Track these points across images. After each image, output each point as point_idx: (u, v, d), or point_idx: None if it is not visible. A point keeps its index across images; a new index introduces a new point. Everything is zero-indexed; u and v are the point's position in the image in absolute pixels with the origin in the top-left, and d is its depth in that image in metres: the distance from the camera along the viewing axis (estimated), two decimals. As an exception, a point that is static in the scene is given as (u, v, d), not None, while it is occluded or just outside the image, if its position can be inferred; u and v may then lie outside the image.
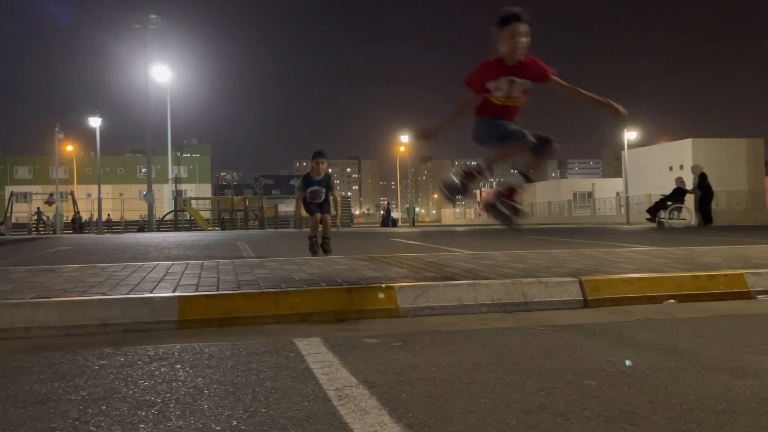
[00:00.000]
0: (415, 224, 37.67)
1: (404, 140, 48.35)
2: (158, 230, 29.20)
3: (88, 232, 29.65)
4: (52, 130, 33.64)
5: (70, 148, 49.71)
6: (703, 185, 16.85)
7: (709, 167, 33.65)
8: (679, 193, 17.05)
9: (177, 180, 38.24)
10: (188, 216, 32.97)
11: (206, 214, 35.38)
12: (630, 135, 35.03)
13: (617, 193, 40.10)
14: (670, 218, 16.73)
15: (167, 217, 34.49)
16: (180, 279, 4.03)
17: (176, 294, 3.34)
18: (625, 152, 35.83)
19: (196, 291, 3.52)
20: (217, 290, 3.57)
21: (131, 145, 78.01)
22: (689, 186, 17.54)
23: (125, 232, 30.54)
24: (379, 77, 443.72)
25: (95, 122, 29.91)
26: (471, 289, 3.71)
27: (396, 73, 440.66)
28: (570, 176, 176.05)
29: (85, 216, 35.23)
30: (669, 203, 17.03)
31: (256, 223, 30.57)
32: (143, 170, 62.12)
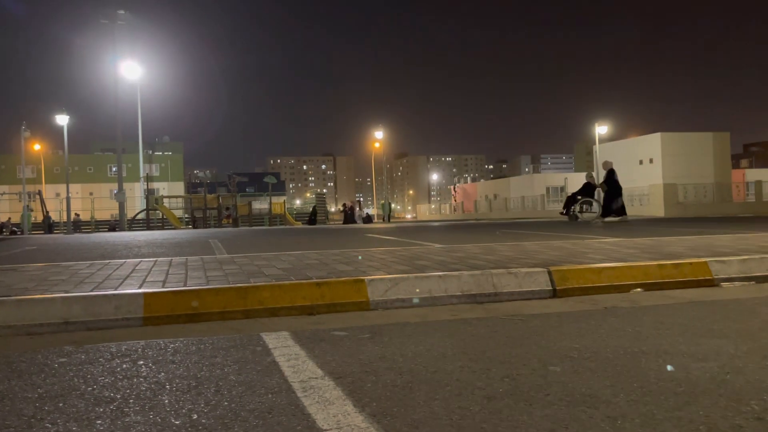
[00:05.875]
0: (391, 220, 37.69)
1: (379, 136, 48.24)
2: (130, 229, 28.71)
3: (58, 232, 29.03)
4: (18, 129, 32.85)
5: (37, 146, 48.54)
6: (609, 181, 17.54)
7: (677, 160, 34.44)
8: (588, 188, 18.00)
9: (149, 178, 37.63)
10: (161, 215, 32.50)
11: (179, 213, 34.94)
12: (601, 129, 35.53)
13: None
14: (581, 211, 17.68)
15: (139, 216, 33.96)
16: (147, 276, 3.96)
17: (142, 290, 3.28)
18: (597, 147, 36.35)
19: (163, 287, 3.47)
20: (185, 286, 3.52)
21: (101, 143, 76.59)
22: (599, 181, 18.51)
23: (95, 231, 29.98)
24: (352, 74, 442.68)
25: (63, 120, 29.24)
26: (441, 281, 3.71)
27: (368, 70, 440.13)
28: (543, 171, 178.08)
29: (54, 216, 34.48)
30: (579, 197, 17.94)
31: (230, 220, 30.25)
32: (113, 169, 61.03)
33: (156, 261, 4.95)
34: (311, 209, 33.37)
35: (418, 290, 3.63)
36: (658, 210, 33.81)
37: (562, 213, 18.60)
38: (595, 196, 17.95)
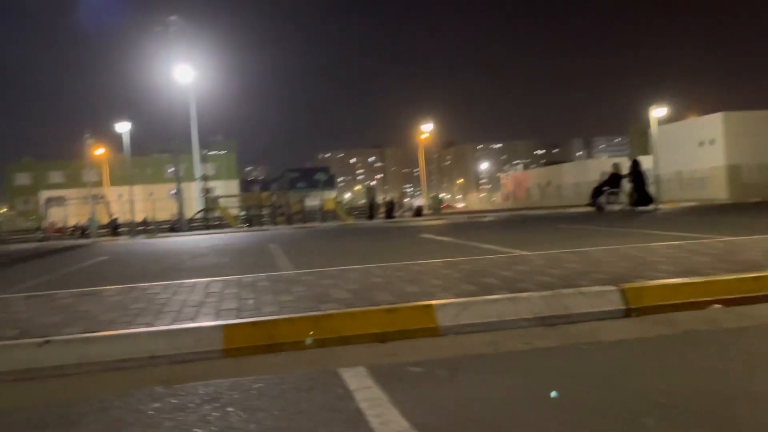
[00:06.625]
0: (441, 211, 37.53)
1: (426, 128, 48.02)
2: (189, 229, 29.63)
3: (122, 233, 30.28)
4: (81, 134, 34.36)
5: (100, 151, 50.58)
6: (634, 171, 17.85)
7: (741, 141, 32.91)
8: (615, 179, 18.15)
9: (205, 178, 38.80)
10: (217, 213, 33.38)
11: (235, 211, 35.80)
12: (658, 112, 34.25)
13: (646, 171, 39.32)
14: (608, 202, 17.95)
15: (197, 216, 34.99)
16: (220, 302, 4.08)
17: (220, 323, 3.38)
18: (654, 130, 35.10)
19: (238, 316, 3.58)
20: (258, 313, 3.62)
21: (158, 144, 79.22)
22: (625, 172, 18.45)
23: (157, 232, 31.10)
24: (397, 64, 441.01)
25: (124, 128, 30.41)
26: (511, 303, 3.68)
27: (414, 59, 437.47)
28: (597, 155, 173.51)
29: (117, 217, 35.86)
30: (605, 188, 18.13)
31: (284, 218, 30.79)
32: (171, 169, 63.10)
33: (226, 281, 5.09)
34: (369, 204, 33.44)
35: (487, 314, 3.61)
36: (720, 192, 32.44)
37: (588, 204, 18.92)
38: (621, 187, 18.05)
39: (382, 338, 3.42)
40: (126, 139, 31.46)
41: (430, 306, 3.59)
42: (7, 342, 3.17)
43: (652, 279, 4.12)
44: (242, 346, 3.30)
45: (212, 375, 2.87)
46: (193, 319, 3.54)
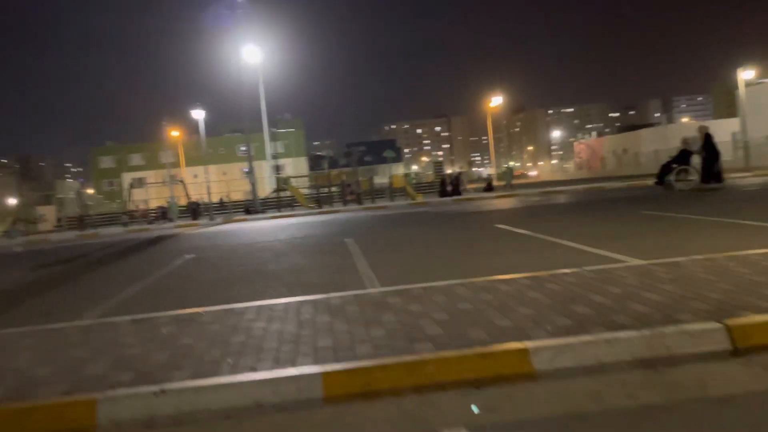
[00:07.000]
0: (512, 184, 36.86)
1: (495, 96, 46.96)
2: (262, 211, 30.56)
3: (201, 215, 31.60)
4: (158, 117, 35.93)
5: (175, 133, 52.73)
6: (707, 146, 16.85)
7: None
8: (684, 155, 17.24)
9: (274, 156, 39.81)
10: (288, 193, 34.23)
11: (305, 190, 36.56)
12: (746, 74, 32.00)
13: (732, 135, 37.04)
14: (677, 180, 17.09)
15: (270, 195, 35.97)
16: (315, 335, 4.20)
17: (319, 370, 3.49)
18: (742, 93, 32.86)
19: (335, 356, 3.69)
20: (353, 354, 3.71)
21: (229, 124, 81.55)
22: (695, 147, 17.47)
23: (233, 214, 32.24)
24: (462, 28, 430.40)
25: (198, 114, 31.48)
26: (609, 345, 3.60)
27: (484, 21, 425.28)
28: (677, 115, 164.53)
29: (194, 197, 37.43)
30: (675, 165, 17.23)
31: (354, 197, 31.17)
32: (242, 149, 64.91)
33: (315, 304, 5.22)
34: (441, 181, 33.22)
35: (585, 357, 3.55)
36: (818, 159, 30.06)
37: (656, 183, 18.08)
38: (691, 163, 17.18)
39: (477, 384, 3.43)
40: (201, 125, 32.62)
41: (525, 350, 3.56)
42: (127, 391, 3.40)
43: (757, 310, 3.92)
44: (340, 393, 3.40)
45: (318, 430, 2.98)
46: (292, 362, 3.67)
